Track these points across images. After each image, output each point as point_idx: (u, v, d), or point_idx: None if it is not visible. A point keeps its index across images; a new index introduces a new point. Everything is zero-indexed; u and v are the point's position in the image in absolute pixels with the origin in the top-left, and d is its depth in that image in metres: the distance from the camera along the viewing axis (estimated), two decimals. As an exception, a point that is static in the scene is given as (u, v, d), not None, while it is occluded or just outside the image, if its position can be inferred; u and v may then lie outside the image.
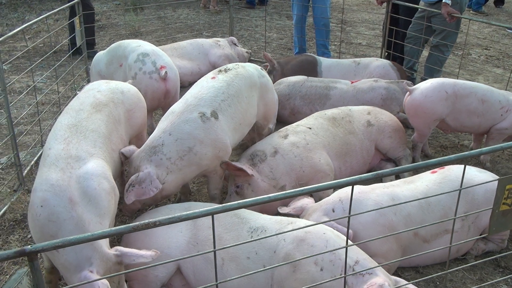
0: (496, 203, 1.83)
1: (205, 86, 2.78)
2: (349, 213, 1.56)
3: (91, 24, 5.63)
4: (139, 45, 3.60)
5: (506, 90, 4.16)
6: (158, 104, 3.55)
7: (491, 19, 8.20)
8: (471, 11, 8.35)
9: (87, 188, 2.04)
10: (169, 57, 4.00)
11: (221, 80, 2.80)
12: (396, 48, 4.96)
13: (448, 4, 4.07)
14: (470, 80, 5.24)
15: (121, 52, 3.63)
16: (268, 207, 2.63)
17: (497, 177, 2.23)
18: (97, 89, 2.64)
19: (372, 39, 6.66)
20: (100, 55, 3.85)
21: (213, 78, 2.85)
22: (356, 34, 7.07)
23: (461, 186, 1.75)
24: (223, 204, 1.39)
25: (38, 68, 5.23)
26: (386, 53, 5.12)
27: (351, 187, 1.63)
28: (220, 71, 2.94)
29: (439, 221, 2.25)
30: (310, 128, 2.99)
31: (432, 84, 3.30)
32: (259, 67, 3.17)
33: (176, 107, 2.74)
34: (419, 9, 4.56)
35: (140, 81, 3.35)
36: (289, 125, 3.13)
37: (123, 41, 3.80)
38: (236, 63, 3.09)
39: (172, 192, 2.68)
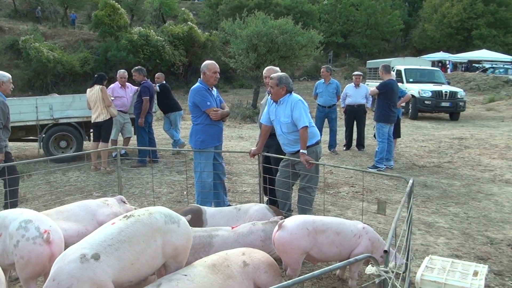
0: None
1: (100, 232, 3.04)
2: None
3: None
4: (21, 213, 3.61)
5: (363, 217, 4.85)
6: (43, 270, 3.47)
7: (356, 160, 9.59)
8: (330, 152, 10.23)
9: None
10: (55, 220, 4.04)
11: (116, 227, 3.04)
12: (275, 193, 5.56)
13: (305, 153, 4.83)
14: (340, 214, 5.97)
15: (0, 222, 3.62)
16: None
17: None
18: None
19: (255, 186, 7.32)
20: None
21: (113, 223, 3.10)
22: (241, 183, 7.74)
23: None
24: None
25: None
26: (267, 198, 5.71)
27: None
28: (124, 216, 3.17)
29: None
30: (185, 275, 3.13)
31: (295, 222, 3.73)
32: (175, 213, 3.38)
33: (68, 249, 2.95)
34: (284, 158, 5.31)
35: (23, 248, 3.34)
36: (165, 275, 3.26)
37: (2, 211, 3.78)
38: (147, 208, 3.30)
39: None
